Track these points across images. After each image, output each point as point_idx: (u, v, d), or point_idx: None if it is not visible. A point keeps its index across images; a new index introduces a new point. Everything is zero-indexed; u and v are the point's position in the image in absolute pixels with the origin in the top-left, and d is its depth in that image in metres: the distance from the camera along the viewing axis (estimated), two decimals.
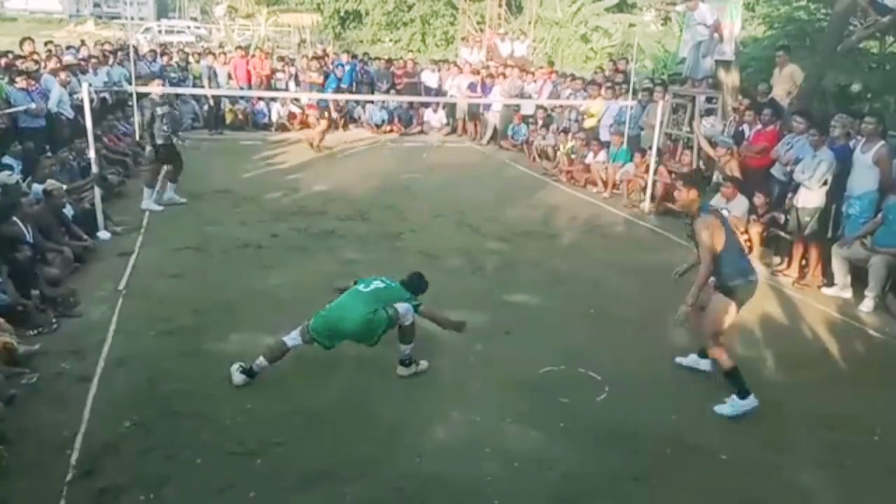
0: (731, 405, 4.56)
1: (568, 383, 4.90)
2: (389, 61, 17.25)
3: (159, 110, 8.58)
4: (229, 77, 15.39)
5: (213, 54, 16.27)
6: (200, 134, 14.40)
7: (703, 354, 5.08)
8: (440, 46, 24.43)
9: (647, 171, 9.79)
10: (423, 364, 4.98)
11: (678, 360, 5.22)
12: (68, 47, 14.34)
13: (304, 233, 8.08)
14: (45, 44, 12.85)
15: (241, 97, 15.03)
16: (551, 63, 17.38)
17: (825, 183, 6.94)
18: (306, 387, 4.68)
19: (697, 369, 5.12)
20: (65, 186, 7.40)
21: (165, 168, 8.87)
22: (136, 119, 9.20)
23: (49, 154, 8.16)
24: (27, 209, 6.21)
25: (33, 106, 9.00)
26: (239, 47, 18.53)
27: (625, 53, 16.57)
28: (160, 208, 8.74)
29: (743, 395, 4.55)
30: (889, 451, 4.29)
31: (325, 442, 4.10)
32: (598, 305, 6.34)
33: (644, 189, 9.86)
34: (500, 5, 20.85)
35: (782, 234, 7.62)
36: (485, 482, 3.80)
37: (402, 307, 4.73)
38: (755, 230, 7.81)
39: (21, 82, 9.02)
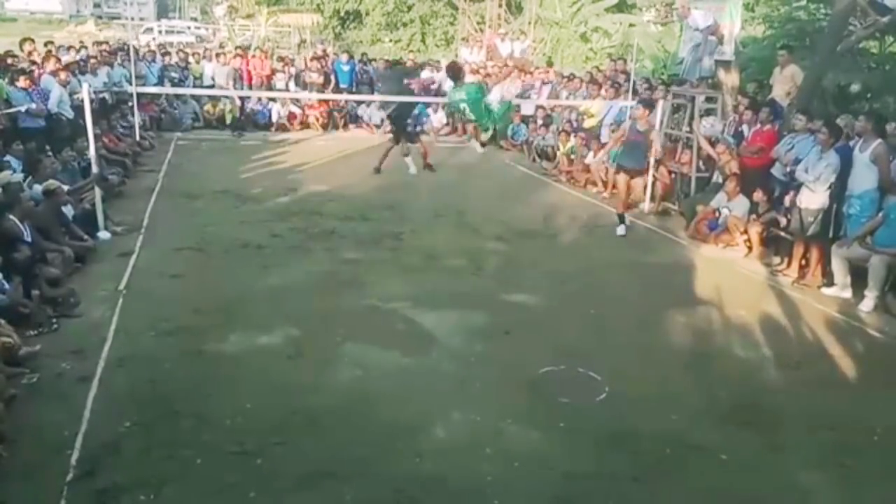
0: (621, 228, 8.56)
1: (568, 383, 4.90)
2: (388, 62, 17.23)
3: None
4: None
5: (241, 55, 16.13)
6: (200, 134, 14.41)
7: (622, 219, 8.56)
8: (440, 47, 24.40)
9: (647, 170, 9.78)
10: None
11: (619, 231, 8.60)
12: (68, 47, 14.32)
13: (304, 233, 8.08)
14: (45, 44, 12.82)
15: (243, 97, 15.05)
16: (550, 63, 17.37)
17: (829, 185, 6.94)
18: (306, 387, 4.68)
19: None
20: (66, 187, 7.43)
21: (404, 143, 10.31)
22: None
23: (50, 154, 8.16)
24: (26, 209, 6.20)
25: (33, 106, 9.00)
26: (238, 48, 18.52)
27: (625, 53, 16.54)
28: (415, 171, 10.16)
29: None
30: (889, 451, 4.29)
31: (325, 442, 4.10)
32: (598, 305, 6.34)
33: (644, 189, 9.86)
34: (500, 5, 20.85)
35: (782, 234, 7.62)
36: (485, 482, 3.79)
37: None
38: (755, 230, 7.82)
39: (22, 82, 9.02)
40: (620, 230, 8.54)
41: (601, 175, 10.81)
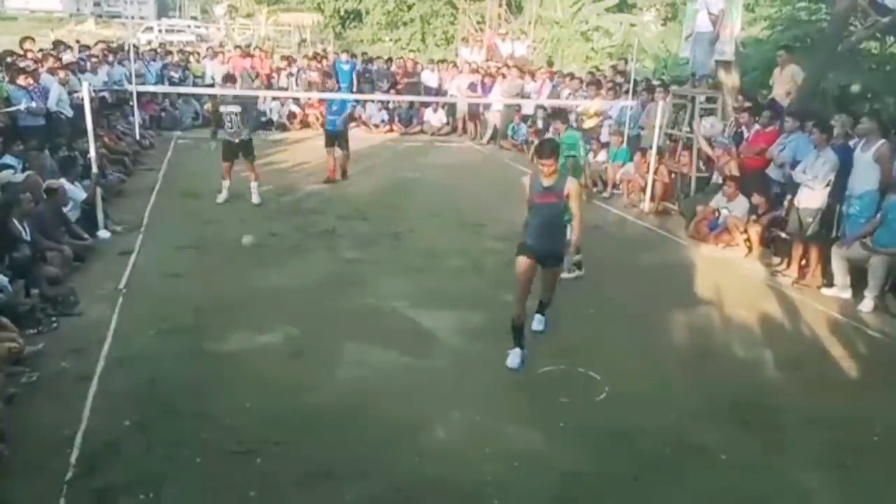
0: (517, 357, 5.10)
1: (568, 383, 4.90)
2: (389, 61, 17.26)
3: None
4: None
5: (252, 55, 16.05)
6: (201, 133, 14.40)
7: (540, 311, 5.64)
8: (440, 46, 24.42)
9: (647, 171, 9.80)
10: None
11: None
12: (68, 47, 14.31)
13: (303, 232, 8.08)
14: (54, 44, 12.74)
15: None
16: (551, 63, 17.37)
17: (827, 184, 6.94)
18: (306, 386, 4.68)
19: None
20: (84, 195, 7.49)
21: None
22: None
23: (49, 153, 8.18)
24: (26, 208, 6.20)
25: (33, 105, 8.99)
26: (238, 47, 18.51)
27: (625, 53, 16.55)
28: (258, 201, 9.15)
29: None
30: (889, 451, 4.29)
31: (325, 442, 4.10)
32: (598, 305, 6.34)
33: (644, 189, 9.86)
34: (500, 5, 20.86)
35: (782, 234, 7.62)
36: (485, 482, 3.79)
37: None
38: (755, 230, 7.82)
39: (22, 80, 9.01)
40: (511, 360, 5.03)
41: (601, 175, 10.82)
